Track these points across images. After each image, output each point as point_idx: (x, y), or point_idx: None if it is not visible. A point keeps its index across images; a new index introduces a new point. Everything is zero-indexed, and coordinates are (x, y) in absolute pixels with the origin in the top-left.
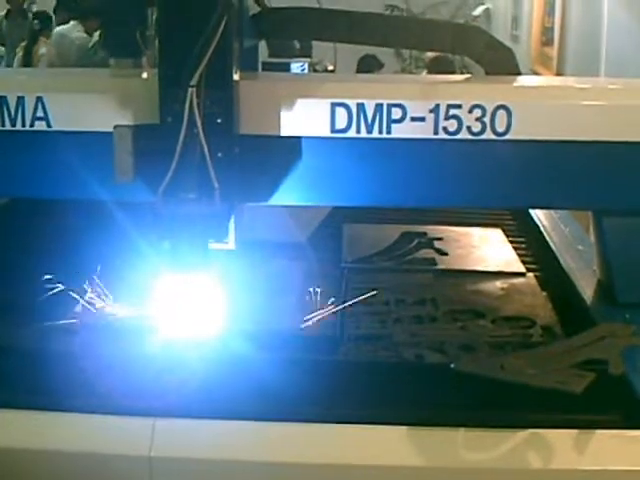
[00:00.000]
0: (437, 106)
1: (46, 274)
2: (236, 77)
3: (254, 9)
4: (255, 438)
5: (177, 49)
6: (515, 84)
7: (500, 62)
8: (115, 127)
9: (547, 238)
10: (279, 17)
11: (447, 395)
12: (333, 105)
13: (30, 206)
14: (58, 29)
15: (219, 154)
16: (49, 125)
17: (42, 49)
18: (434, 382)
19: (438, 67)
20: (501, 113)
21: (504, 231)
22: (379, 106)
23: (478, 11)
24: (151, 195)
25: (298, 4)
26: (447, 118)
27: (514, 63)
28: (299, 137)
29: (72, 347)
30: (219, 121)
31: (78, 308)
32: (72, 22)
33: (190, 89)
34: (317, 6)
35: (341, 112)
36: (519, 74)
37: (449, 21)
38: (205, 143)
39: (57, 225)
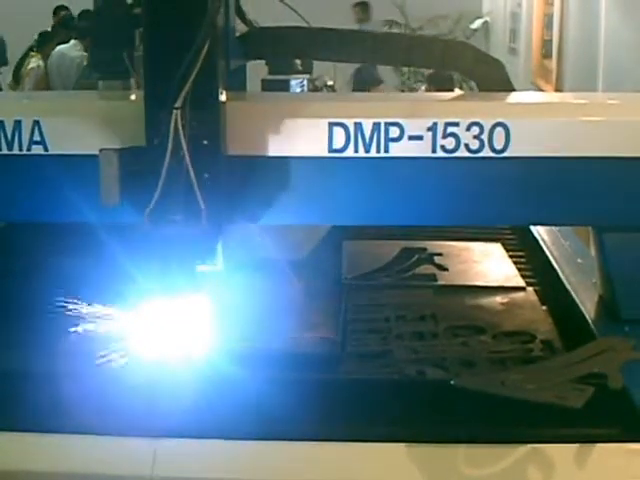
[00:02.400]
0: (435, 124)
1: (39, 295)
2: (222, 98)
3: (242, 29)
4: (258, 458)
5: (162, 71)
6: (512, 101)
7: (491, 76)
8: (101, 150)
9: (547, 252)
10: (266, 37)
11: (448, 411)
12: (331, 125)
13: (21, 227)
14: (58, 48)
15: (205, 175)
16: (46, 149)
17: (31, 64)
18: (435, 398)
19: (438, 81)
20: (499, 130)
21: (504, 245)
22: (376, 125)
23: (476, 24)
24: (138, 217)
25: (288, 23)
26: (445, 136)
27: (505, 76)
28: (288, 157)
29: (69, 368)
30: (205, 142)
31: (74, 328)
32: (72, 41)
33: (175, 111)
34: (308, 25)
35: (339, 131)
36: (511, 87)
37: (437, 37)
38: (191, 165)
39: (46, 246)
